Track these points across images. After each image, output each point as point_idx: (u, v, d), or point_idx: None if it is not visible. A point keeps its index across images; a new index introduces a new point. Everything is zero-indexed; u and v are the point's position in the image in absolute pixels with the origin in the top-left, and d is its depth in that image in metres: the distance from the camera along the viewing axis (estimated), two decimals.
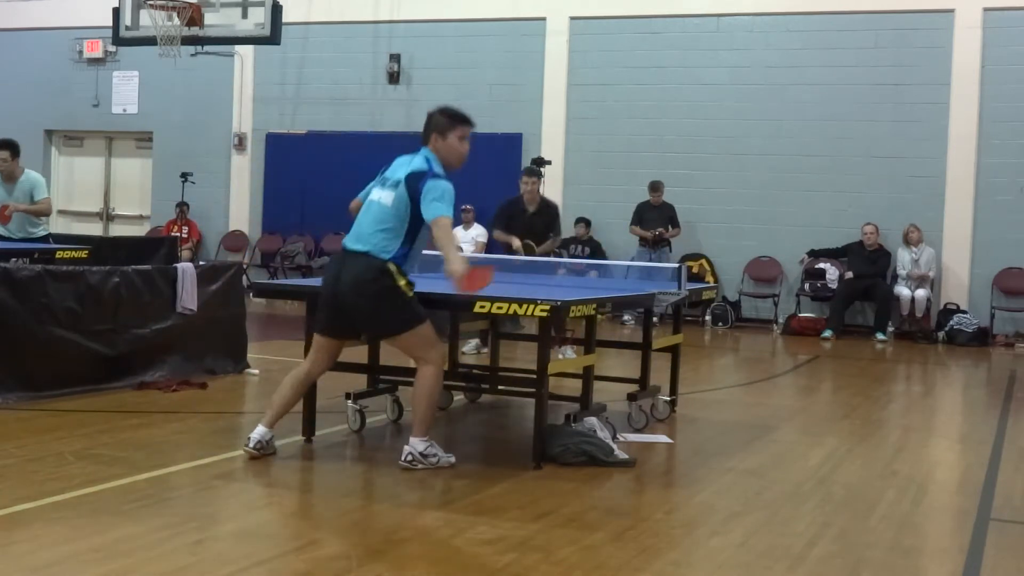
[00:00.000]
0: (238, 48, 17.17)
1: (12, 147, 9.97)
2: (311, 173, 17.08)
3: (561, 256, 11.31)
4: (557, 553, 4.42)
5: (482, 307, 5.84)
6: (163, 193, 17.77)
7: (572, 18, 15.96)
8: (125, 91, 18.58)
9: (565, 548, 4.50)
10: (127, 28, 15.47)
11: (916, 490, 5.92)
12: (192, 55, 15.76)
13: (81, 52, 18.67)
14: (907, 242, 14.28)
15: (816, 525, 5.06)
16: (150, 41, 15.10)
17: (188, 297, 8.33)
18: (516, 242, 10.31)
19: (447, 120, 5.83)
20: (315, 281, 6.45)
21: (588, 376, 6.59)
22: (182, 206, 16.55)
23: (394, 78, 16.79)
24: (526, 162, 13.46)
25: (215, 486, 5.41)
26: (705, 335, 14.16)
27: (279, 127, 17.55)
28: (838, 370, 11.59)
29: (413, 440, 5.78)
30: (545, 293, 6.15)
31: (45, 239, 10.09)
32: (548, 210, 10.60)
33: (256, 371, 8.81)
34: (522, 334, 9.56)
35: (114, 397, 7.53)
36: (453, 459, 5.82)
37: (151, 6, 14.83)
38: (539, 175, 10.69)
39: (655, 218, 14.98)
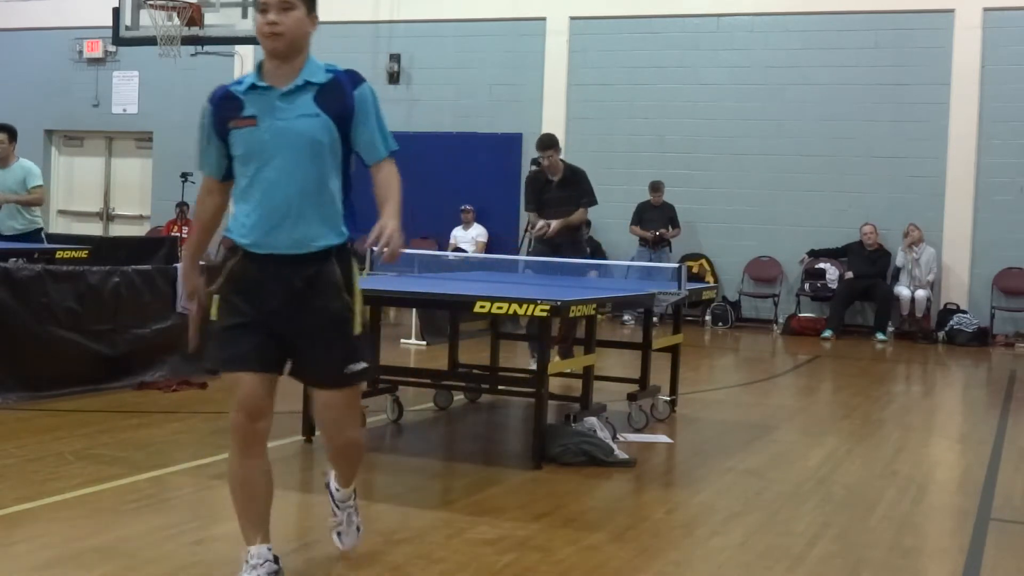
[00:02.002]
0: (238, 48, 17.16)
1: (9, 131, 9.93)
2: None
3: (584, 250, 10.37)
4: (557, 553, 4.42)
5: (482, 307, 5.84)
6: (163, 193, 17.76)
7: (572, 18, 15.96)
8: (125, 91, 18.58)
9: (565, 548, 4.49)
10: (127, 28, 15.46)
11: (916, 490, 5.91)
12: (192, 55, 15.75)
13: (81, 52, 18.67)
14: (907, 242, 14.26)
15: (816, 525, 5.06)
16: (150, 41, 15.09)
17: None
18: (540, 221, 9.49)
19: None
20: None
21: (588, 376, 6.59)
22: (182, 206, 16.53)
23: (394, 78, 16.79)
24: (526, 162, 13.40)
25: (215, 486, 5.40)
26: (705, 335, 14.16)
27: None
28: (838, 370, 11.58)
29: None
30: (545, 293, 6.16)
31: (38, 233, 9.96)
32: (574, 177, 9.61)
33: None
34: (522, 334, 9.57)
35: (114, 397, 7.52)
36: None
37: (151, 6, 14.82)
38: (551, 146, 9.55)
39: (655, 218, 14.99)
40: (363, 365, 3.85)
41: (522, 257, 9.54)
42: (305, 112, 3.70)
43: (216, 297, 3.82)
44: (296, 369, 3.88)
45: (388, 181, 3.82)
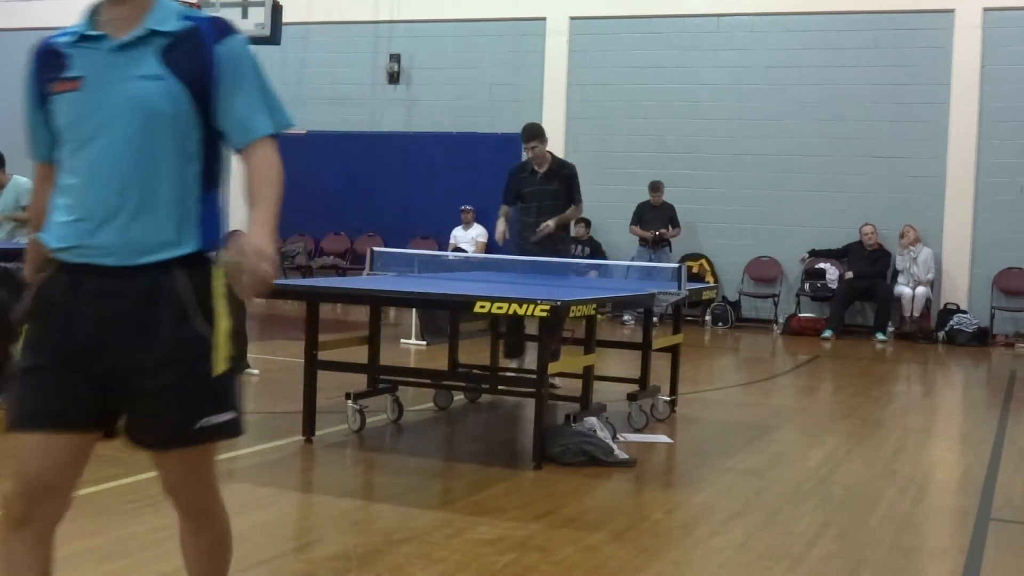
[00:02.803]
0: None
1: None
2: (311, 173, 17.08)
3: (570, 251, 9.91)
4: (557, 553, 4.42)
5: (482, 307, 5.84)
6: None
7: (572, 18, 15.97)
8: None
9: (565, 548, 4.49)
10: None
11: (916, 490, 5.91)
12: None
13: None
14: (904, 242, 14.25)
15: (816, 525, 5.06)
16: None
17: None
18: (500, 228, 8.93)
19: None
20: (315, 281, 6.44)
21: (588, 376, 6.59)
22: None
23: (394, 78, 16.80)
24: None
25: None
26: (705, 335, 14.16)
27: None
28: (838, 370, 11.58)
29: None
30: (545, 293, 6.15)
31: None
32: (563, 171, 8.89)
33: (256, 371, 8.79)
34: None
35: None
36: None
37: None
38: (535, 136, 8.76)
39: (655, 218, 14.99)
40: (228, 416, 2.72)
41: (522, 258, 9.19)
42: (146, 73, 2.60)
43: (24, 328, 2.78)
44: (129, 425, 2.68)
45: (262, 171, 2.77)
